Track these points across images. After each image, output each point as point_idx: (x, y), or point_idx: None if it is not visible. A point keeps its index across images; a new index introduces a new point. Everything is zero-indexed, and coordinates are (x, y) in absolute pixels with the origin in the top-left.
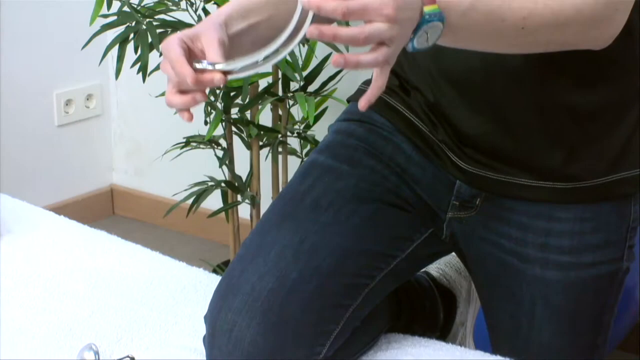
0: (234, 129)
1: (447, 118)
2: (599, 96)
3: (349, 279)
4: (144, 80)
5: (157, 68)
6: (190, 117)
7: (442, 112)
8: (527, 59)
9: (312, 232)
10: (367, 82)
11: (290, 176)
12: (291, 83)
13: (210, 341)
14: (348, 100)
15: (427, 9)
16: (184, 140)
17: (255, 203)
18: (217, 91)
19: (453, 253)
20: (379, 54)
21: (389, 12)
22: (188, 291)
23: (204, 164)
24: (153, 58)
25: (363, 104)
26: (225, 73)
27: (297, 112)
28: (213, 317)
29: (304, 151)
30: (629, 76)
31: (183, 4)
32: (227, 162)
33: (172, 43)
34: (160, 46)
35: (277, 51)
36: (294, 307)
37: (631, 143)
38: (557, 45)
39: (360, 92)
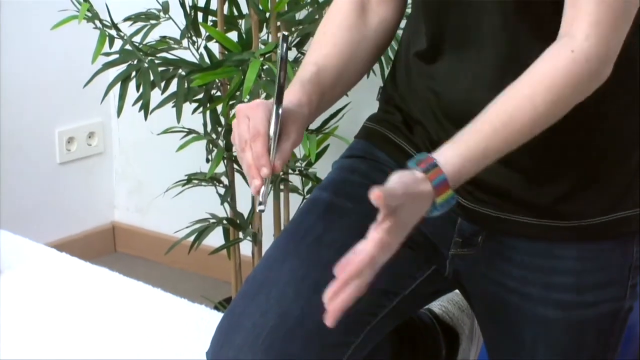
0: (235, 166)
1: None
2: (602, 136)
3: (350, 316)
4: (145, 118)
5: (159, 106)
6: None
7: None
8: None
9: (314, 270)
10: (372, 119)
11: (292, 213)
12: None
13: None
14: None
15: (440, 199)
16: (186, 177)
17: (256, 240)
18: (219, 129)
19: (456, 290)
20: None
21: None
22: (190, 328)
23: (206, 201)
24: (155, 96)
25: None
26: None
27: (298, 149)
28: (215, 354)
29: (306, 189)
30: (632, 116)
31: (185, 43)
32: (228, 199)
33: (260, 134)
34: (244, 113)
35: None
36: (295, 344)
37: (633, 182)
38: (569, 106)
39: (364, 129)
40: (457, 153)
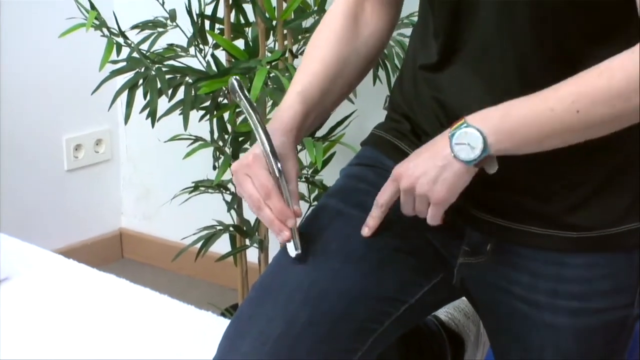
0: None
1: None
2: (612, 151)
3: (357, 324)
4: (152, 125)
5: (166, 113)
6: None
7: None
8: None
9: (322, 277)
10: (380, 127)
11: (298, 221)
12: None
13: None
14: (362, 145)
15: (452, 129)
16: (193, 184)
17: (263, 247)
18: (226, 136)
19: (462, 297)
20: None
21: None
22: (196, 334)
23: (213, 209)
24: (162, 103)
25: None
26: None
27: (305, 157)
28: None
29: (312, 196)
30: None
31: (192, 50)
32: (235, 206)
33: (270, 190)
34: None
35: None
36: (302, 351)
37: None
38: (637, 113)
39: (372, 136)
40: (495, 106)
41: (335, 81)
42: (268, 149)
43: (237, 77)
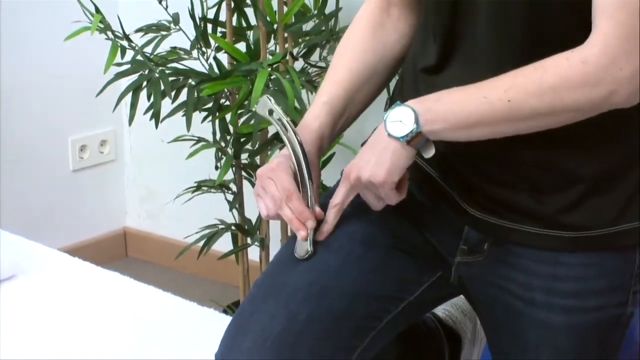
0: (244, 173)
1: (457, 166)
2: (608, 151)
3: (357, 321)
4: (156, 126)
5: (169, 115)
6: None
7: (452, 160)
8: None
9: (322, 275)
10: None
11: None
12: None
13: None
14: (362, 146)
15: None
16: (195, 184)
17: (264, 245)
18: (228, 137)
19: (460, 295)
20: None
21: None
22: (199, 331)
23: (215, 208)
24: (165, 105)
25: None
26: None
27: None
28: (223, 356)
29: None
30: (635, 133)
31: (195, 53)
32: (237, 205)
33: (292, 192)
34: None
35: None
36: (303, 348)
37: (634, 195)
38: (569, 113)
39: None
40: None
41: (361, 89)
42: (302, 157)
43: (269, 96)
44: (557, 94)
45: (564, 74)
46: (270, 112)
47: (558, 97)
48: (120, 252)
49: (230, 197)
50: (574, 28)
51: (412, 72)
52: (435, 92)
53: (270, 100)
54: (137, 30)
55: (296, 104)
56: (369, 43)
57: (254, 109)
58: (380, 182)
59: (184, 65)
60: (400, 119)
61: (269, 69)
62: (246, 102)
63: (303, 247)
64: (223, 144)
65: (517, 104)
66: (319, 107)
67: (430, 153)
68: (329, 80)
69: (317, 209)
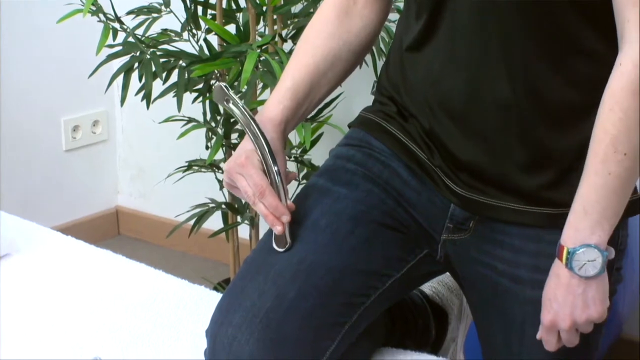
0: (233, 153)
1: (443, 145)
2: (586, 129)
3: (345, 297)
4: (147, 107)
5: (161, 95)
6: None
7: (438, 138)
8: (515, 93)
9: (311, 252)
10: (367, 109)
11: (294, 197)
12: None
13: (210, 354)
14: (349, 126)
15: (563, 262)
16: (186, 164)
17: (254, 224)
18: (218, 118)
19: (447, 272)
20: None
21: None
22: (189, 308)
23: (205, 187)
24: (156, 86)
25: None
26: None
27: (294, 137)
28: (214, 331)
29: (301, 174)
30: None
31: (185, 35)
32: None
33: (264, 188)
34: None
35: None
36: (291, 324)
37: None
38: None
39: (360, 118)
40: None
41: (325, 75)
42: (267, 152)
43: (224, 83)
44: None
45: (632, 89)
46: (227, 100)
47: None
48: (112, 230)
49: (220, 176)
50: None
51: (398, 53)
52: (570, 212)
53: (226, 89)
54: (129, 13)
55: None
56: (333, 29)
57: (243, 90)
58: (600, 316)
59: (175, 47)
60: (587, 260)
61: (258, 51)
62: (236, 83)
63: (281, 240)
64: (213, 124)
65: (631, 148)
66: (282, 92)
67: None
68: (292, 64)
69: (290, 203)
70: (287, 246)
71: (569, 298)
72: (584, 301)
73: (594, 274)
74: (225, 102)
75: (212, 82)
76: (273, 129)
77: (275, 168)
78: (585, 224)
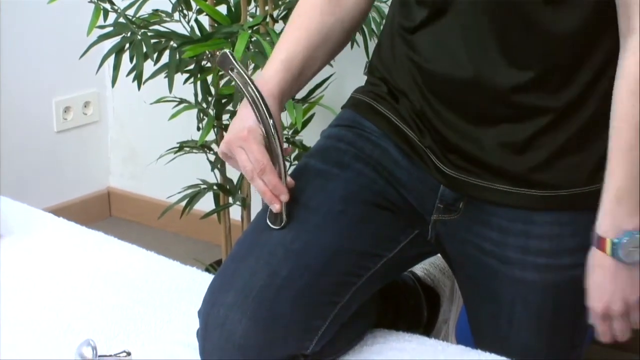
0: (225, 133)
1: (433, 125)
2: (579, 113)
3: (337, 277)
4: (139, 88)
5: (152, 76)
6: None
7: (428, 119)
8: (503, 76)
9: (303, 232)
10: (358, 90)
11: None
12: None
13: (203, 334)
14: (342, 108)
15: (607, 252)
16: (178, 145)
17: (246, 205)
18: (210, 98)
19: (438, 253)
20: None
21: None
22: (182, 289)
23: (197, 168)
24: (148, 67)
25: None
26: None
27: (285, 118)
28: (206, 312)
29: (293, 155)
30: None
31: (176, 16)
32: (218, 166)
33: (265, 165)
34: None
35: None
36: (283, 303)
37: (605, 157)
38: None
39: (351, 99)
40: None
41: (317, 49)
42: (271, 127)
43: (230, 50)
44: None
45: None
46: (232, 69)
47: None
48: (104, 211)
49: (212, 157)
50: None
51: (390, 34)
52: (604, 200)
53: (231, 56)
54: None
55: None
56: (325, 4)
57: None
58: None
59: (166, 28)
60: (632, 247)
61: (250, 31)
62: None
63: (277, 218)
64: (205, 105)
65: None
66: (276, 65)
67: None
68: (286, 38)
69: (289, 179)
70: (282, 224)
71: (619, 284)
72: (633, 282)
73: (638, 259)
74: (230, 71)
75: (203, 63)
76: (273, 99)
77: (281, 143)
78: (622, 212)
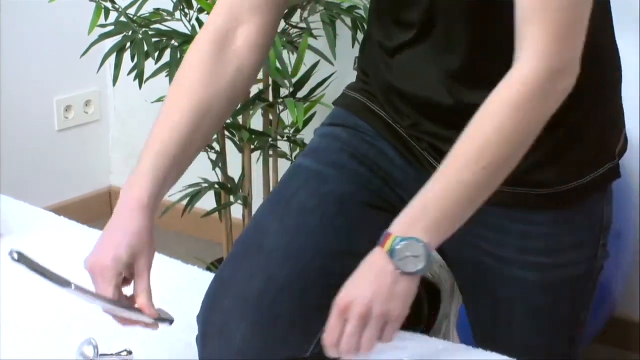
0: (226, 133)
1: (426, 125)
2: (572, 115)
3: (335, 279)
4: (140, 86)
5: (153, 75)
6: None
7: (422, 118)
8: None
9: (300, 235)
10: (350, 87)
11: (280, 178)
12: (281, 89)
13: (202, 341)
14: (333, 104)
15: (385, 247)
16: None
17: (247, 203)
18: None
19: None
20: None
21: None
22: (183, 288)
23: (198, 167)
24: (149, 66)
25: None
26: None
27: (286, 116)
28: (204, 317)
29: (294, 154)
30: (602, 100)
31: (177, 14)
32: (220, 164)
33: (107, 280)
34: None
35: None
36: (282, 307)
37: (594, 150)
38: (541, 122)
39: (343, 97)
40: (406, 209)
41: (196, 131)
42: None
43: (18, 250)
44: (521, 124)
45: (514, 104)
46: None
47: (523, 126)
48: (105, 210)
49: (213, 156)
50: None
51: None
52: (411, 205)
53: (20, 254)
54: None
55: (277, 65)
56: (205, 74)
57: None
58: (398, 317)
59: (167, 27)
60: (410, 254)
61: None
62: None
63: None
64: None
65: (493, 163)
66: (150, 160)
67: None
68: (161, 124)
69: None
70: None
71: (376, 286)
72: (390, 293)
73: (412, 270)
74: (29, 269)
75: None
76: (141, 210)
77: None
78: (422, 220)
